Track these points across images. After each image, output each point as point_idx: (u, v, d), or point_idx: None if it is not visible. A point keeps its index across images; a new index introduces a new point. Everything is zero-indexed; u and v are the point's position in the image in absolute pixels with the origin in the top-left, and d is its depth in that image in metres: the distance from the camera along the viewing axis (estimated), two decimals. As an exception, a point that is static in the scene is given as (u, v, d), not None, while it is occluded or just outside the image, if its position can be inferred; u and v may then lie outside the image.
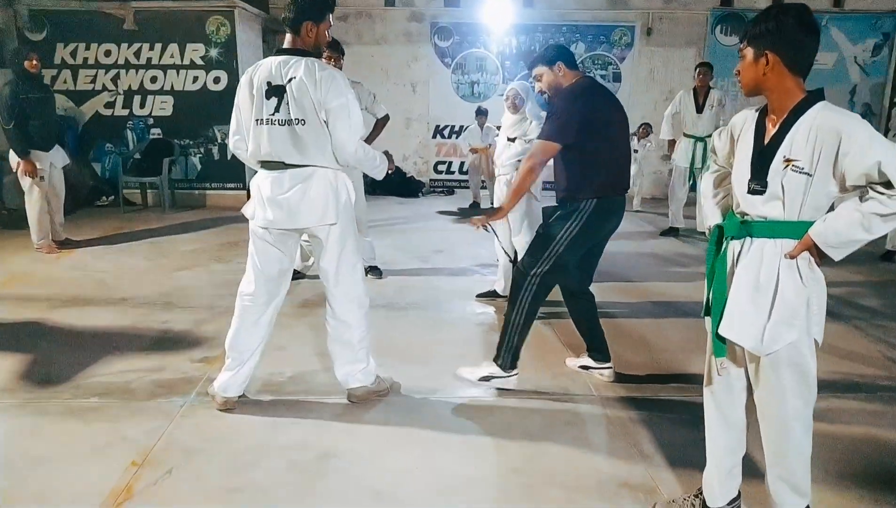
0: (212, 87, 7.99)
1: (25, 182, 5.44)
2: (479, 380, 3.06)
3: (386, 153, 2.95)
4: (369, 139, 4.94)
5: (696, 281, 5.04)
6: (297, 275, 4.86)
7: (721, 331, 1.89)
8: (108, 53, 7.97)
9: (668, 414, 2.93)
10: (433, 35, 9.42)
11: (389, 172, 2.98)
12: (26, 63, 5.36)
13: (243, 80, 2.69)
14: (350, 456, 2.55)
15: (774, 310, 1.80)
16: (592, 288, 3.27)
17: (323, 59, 4.59)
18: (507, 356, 3.02)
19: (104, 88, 8.08)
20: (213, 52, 7.91)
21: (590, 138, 2.83)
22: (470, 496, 2.32)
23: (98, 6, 7.84)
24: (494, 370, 3.04)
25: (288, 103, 2.59)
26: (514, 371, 3.06)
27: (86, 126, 8.17)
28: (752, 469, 2.22)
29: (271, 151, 2.65)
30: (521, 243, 4.19)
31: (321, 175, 2.67)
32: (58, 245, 5.76)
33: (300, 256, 4.87)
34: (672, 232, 7.01)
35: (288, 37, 2.68)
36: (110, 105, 8.13)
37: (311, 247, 2.84)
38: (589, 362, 3.28)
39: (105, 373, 3.27)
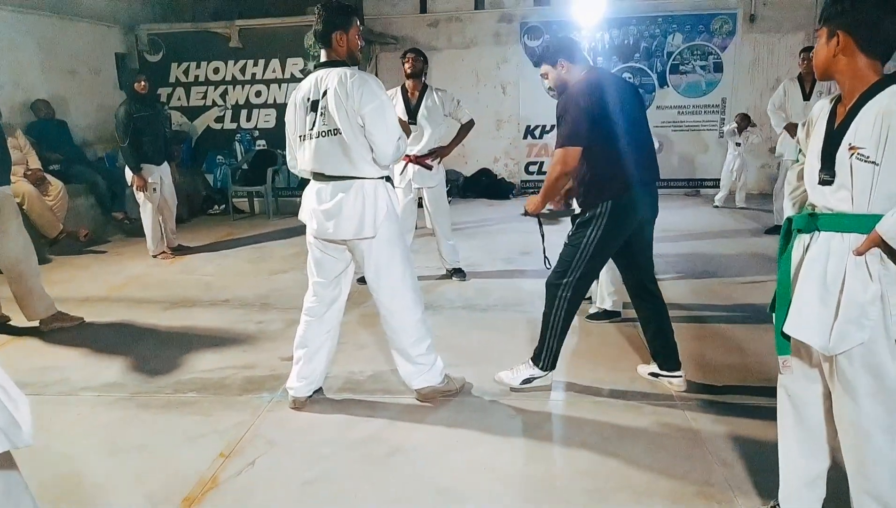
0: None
1: (139, 195, 5.94)
2: (522, 384, 3.08)
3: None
4: (453, 143, 5.01)
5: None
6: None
7: (786, 329, 1.79)
8: (216, 71, 8.54)
9: (753, 422, 2.77)
10: (523, 35, 9.37)
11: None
12: (135, 85, 5.87)
13: (290, 100, 2.81)
14: (418, 453, 2.61)
15: (842, 308, 1.68)
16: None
17: (404, 63, 4.79)
18: (548, 359, 3.05)
19: (214, 104, 8.65)
20: (311, 65, 8.26)
21: (598, 139, 2.78)
22: (534, 497, 2.31)
23: (206, 26, 8.43)
24: (535, 371, 3.07)
25: (324, 116, 2.64)
26: (552, 370, 3.10)
27: (198, 140, 8.78)
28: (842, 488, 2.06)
29: (314, 163, 2.73)
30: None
31: (359, 187, 2.70)
32: (171, 252, 6.25)
33: None
34: (777, 230, 6.58)
35: (322, 51, 2.74)
36: (220, 119, 8.69)
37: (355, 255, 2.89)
38: (656, 369, 3.14)
39: (203, 369, 3.51)
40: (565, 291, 2.94)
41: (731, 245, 6.11)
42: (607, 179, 2.83)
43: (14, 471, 1.16)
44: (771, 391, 3.03)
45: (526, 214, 3.09)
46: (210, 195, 8.80)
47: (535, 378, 3.08)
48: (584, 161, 2.82)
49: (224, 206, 8.66)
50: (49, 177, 6.18)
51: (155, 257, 6.12)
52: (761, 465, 2.42)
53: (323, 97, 2.63)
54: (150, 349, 3.83)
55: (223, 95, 8.61)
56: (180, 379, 3.40)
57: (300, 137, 2.76)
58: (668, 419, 2.82)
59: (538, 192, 3.02)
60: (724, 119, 8.98)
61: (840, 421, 1.80)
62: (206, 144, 8.78)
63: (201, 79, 8.58)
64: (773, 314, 1.92)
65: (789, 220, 1.89)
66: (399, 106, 4.82)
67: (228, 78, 8.53)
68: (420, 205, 5.20)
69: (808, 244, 1.79)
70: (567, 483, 2.38)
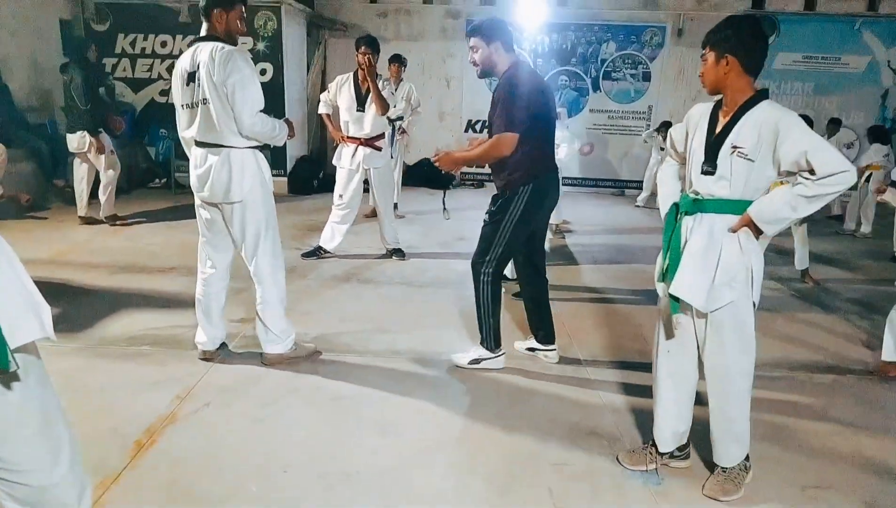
0: (259, 78, 8.47)
1: (78, 160, 6.12)
2: (469, 363, 3.33)
3: (286, 121, 3.17)
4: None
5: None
6: (326, 253, 5.32)
7: (672, 290, 2.23)
8: (164, 44, 8.57)
9: (638, 380, 3.26)
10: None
11: (289, 137, 3.21)
12: (88, 53, 6.00)
13: (174, 71, 3.03)
14: (359, 398, 2.98)
15: (717, 274, 2.15)
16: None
17: (357, 55, 5.09)
18: (490, 338, 3.30)
19: (160, 77, 8.67)
20: (261, 46, 8.41)
21: (532, 127, 3.02)
22: (457, 435, 2.72)
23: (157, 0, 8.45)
24: (482, 352, 3.33)
25: (199, 87, 2.90)
26: (501, 351, 3.35)
27: (142, 112, 8.78)
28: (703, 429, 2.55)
29: (191, 131, 3.00)
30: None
31: (226, 155, 2.97)
32: (110, 221, 6.35)
33: (329, 236, 5.30)
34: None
35: (203, 25, 2.96)
36: (165, 93, 8.69)
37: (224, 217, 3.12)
38: (535, 344, 3.50)
39: (156, 327, 3.75)
40: (487, 267, 3.15)
41: (648, 239, 6.72)
42: (531, 164, 3.05)
43: (41, 361, 1.44)
44: (646, 359, 3.54)
45: (437, 164, 3.21)
46: (151, 168, 8.81)
47: (483, 359, 3.32)
48: (517, 146, 3.04)
49: (165, 179, 8.70)
50: (-11, 140, 6.17)
51: (101, 222, 6.21)
52: (643, 413, 2.90)
53: (197, 70, 2.88)
54: (100, 308, 4.01)
55: (170, 69, 8.62)
56: (134, 335, 3.63)
57: (181, 105, 3.02)
58: (570, 377, 3.30)
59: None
60: (649, 125, 9.64)
61: (709, 369, 2.28)
62: (149, 116, 8.79)
63: (148, 51, 8.59)
64: (660, 284, 2.36)
65: (676, 204, 2.33)
66: (349, 93, 5.13)
67: (176, 52, 8.54)
68: (366, 190, 5.50)
69: (692, 225, 2.23)
70: (483, 426, 2.80)
